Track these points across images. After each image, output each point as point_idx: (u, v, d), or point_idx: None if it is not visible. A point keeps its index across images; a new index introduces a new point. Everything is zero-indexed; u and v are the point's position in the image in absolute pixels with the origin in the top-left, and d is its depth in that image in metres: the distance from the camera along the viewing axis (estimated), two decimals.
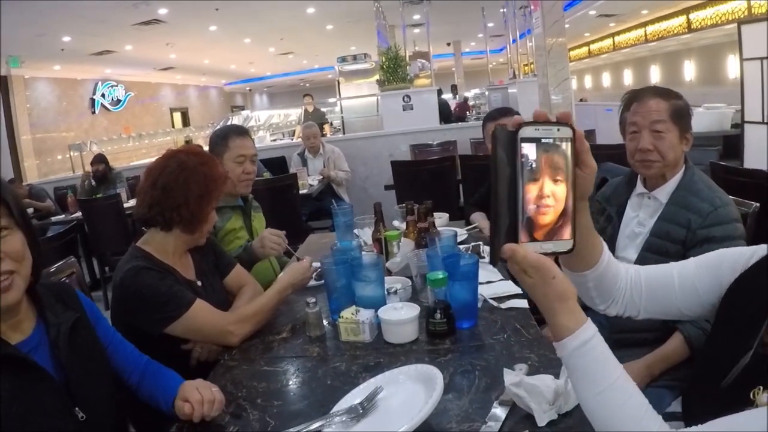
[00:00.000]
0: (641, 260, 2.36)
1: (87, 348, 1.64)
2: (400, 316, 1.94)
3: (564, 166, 0.95)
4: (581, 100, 20.99)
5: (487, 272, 2.46)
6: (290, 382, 1.80)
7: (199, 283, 2.30)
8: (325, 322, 2.18)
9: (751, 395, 1.02)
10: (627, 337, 2.32)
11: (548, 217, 0.95)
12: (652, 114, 2.32)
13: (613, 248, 2.64)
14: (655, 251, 2.29)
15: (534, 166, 0.93)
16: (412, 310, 1.97)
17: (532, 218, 0.94)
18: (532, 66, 11.50)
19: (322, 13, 14.50)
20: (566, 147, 0.95)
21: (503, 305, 2.17)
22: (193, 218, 2.18)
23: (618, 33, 21.89)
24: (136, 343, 1.94)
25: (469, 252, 2.67)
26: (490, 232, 0.96)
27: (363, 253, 2.48)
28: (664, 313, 1.36)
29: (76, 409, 1.50)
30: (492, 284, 2.38)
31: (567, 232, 0.96)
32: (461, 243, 3.02)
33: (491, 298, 2.23)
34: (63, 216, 7.94)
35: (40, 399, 1.44)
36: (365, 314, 2.00)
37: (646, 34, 19.95)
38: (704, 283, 1.30)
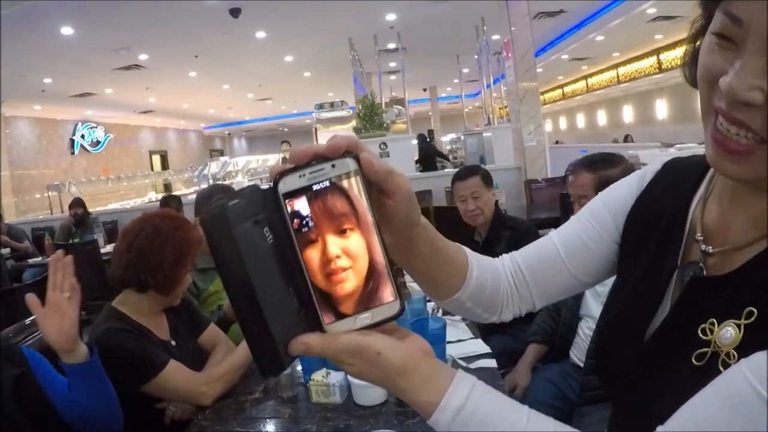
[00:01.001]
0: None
1: (33, 400, 1.70)
2: None
3: (353, 209, 0.66)
4: (556, 142, 21.18)
5: (457, 331, 2.52)
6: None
7: (173, 342, 2.34)
8: (301, 375, 2.24)
9: (700, 332, 0.78)
10: (597, 394, 2.37)
11: (349, 283, 0.67)
12: (578, 189, 2.45)
13: (579, 305, 2.72)
14: None
15: (310, 224, 0.66)
16: None
17: (327, 291, 0.67)
18: (507, 110, 11.63)
19: (300, 61, 14.73)
20: (351, 184, 0.66)
21: (472, 365, 2.22)
22: (167, 281, 2.23)
23: (591, 75, 22.23)
24: None
25: (439, 312, 2.72)
26: (246, 337, 0.66)
27: None
28: (563, 291, 1.10)
29: None
30: (462, 343, 2.43)
31: (387, 293, 0.67)
32: (431, 300, 3.06)
33: (460, 358, 2.27)
34: (40, 258, 7.92)
35: None
36: (335, 377, 2.04)
37: (618, 76, 20.24)
38: (593, 234, 1.05)
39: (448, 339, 2.17)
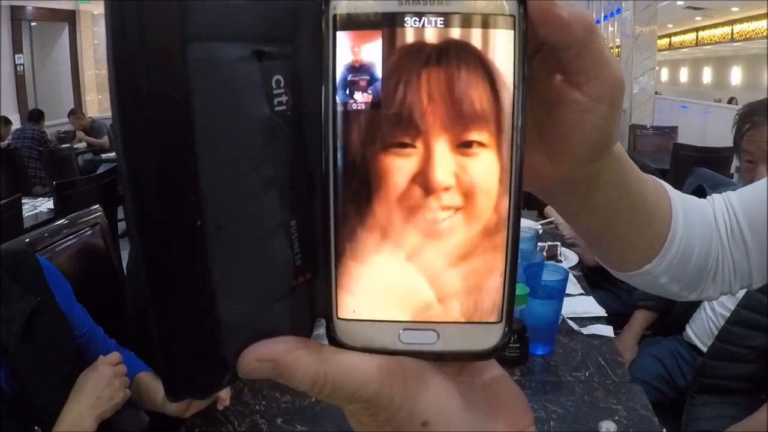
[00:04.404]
0: (735, 316, 1.98)
1: (51, 346, 1.31)
2: None
3: (493, 102, 0.29)
4: (656, 93, 20.33)
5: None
6: (320, 401, 1.47)
7: None
8: None
9: None
10: (717, 384, 2.00)
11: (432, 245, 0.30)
12: (764, 146, 1.92)
13: None
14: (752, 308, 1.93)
15: (377, 92, 0.29)
16: None
17: (370, 246, 0.30)
18: (612, 51, 11.05)
19: None
20: (497, 45, 0.29)
21: (584, 330, 1.81)
22: None
23: (703, 28, 21.35)
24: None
25: (544, 253, 2.30)
26: (155, 312, 0.28)
27: None
28: None
29: (36, 428, 1.19)
30: (571, 299, 2.00)
31: (488, 303, 0.30)
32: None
33: (570, 318, 1.86)
34: (113, 154, 7.89)
35: None
36: None
37: (732, 33, 19.29)
38: None
39: None
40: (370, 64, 0.29)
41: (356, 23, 0.29)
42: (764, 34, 17.41)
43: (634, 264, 0.63)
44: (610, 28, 11.44)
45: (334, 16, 0.29)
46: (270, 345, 0.30)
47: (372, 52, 0.29)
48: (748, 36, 18.52)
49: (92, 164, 7.63)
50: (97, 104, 14.98)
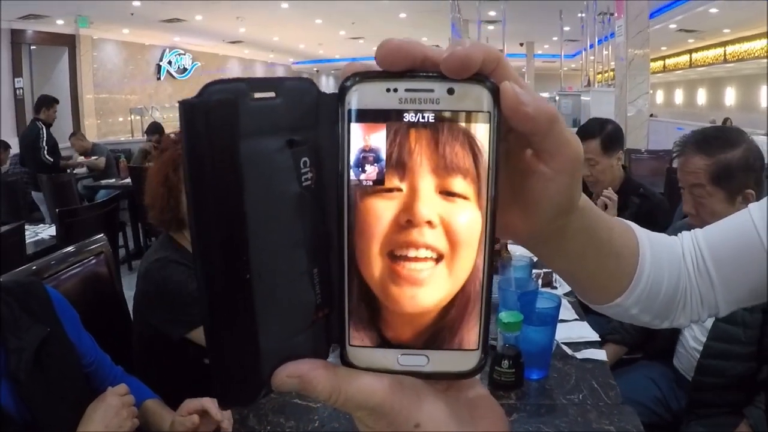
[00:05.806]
0: (707, 349, 2.04)
1: (60, 375, 1.34)
2: None
3: (476, 175, 0.37)
4: (651, 115, 20.38)
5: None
6: (324, 426, 1.51)
7: None
8: None
9: None
10: (709, 412, 2.07)
11: (425, 283, 0.38)
12: (689, 176, 2.02)
13: None
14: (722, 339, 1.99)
15: (384, 171, 0.37)
16: None
17: (375, 289, 0.38)
18: (605, 75, 11.11)
19: (397, 0, 14.23)
20: (474, 134, 0.37)
21: (578, 354, 1.86)
22: None
23: (696, 50, 21.52)
24: (153, 347, 1.71)
25: (539, 280, 2.35)
26: (209, 338, 0.36)
27: None
28: (759, 294, 0.77)
29: None
30: (565, 324, 2.05)
31: (469, 334, 0.38)
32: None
33: (564, 343, 1.91)
34: (113, 180, 7.92)
35: None
36: None
37: (725, 54, 19.43)
38: None
39: None
40: (376, 148, 0.37)
41: (366, 117, 0.37)
42: (757, 54, 17.56)
43: (605, 298, 0.72)
44: (605, 52, 11.55)
45: (349, 111, 0.37)
46: (297, 365, 0.38)
47: (378, 139, 0.37)
48: (740, 57, 18.63)
49: (92, 191, 7.66)
50: (96, 129, 14.97)
